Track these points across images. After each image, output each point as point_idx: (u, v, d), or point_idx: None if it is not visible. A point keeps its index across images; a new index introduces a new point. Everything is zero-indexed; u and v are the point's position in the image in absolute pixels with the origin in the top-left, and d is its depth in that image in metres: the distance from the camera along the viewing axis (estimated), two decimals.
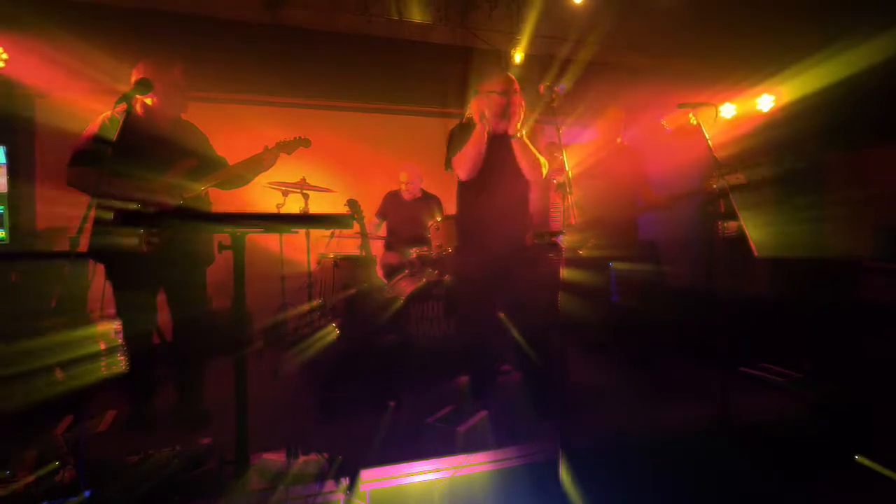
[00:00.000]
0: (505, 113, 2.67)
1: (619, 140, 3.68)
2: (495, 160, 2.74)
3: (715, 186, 2.83)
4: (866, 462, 2.35)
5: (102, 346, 2.15)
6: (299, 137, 2.82)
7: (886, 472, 2.28)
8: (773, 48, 4.46)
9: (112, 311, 2.42)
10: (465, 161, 2.70)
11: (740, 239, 2.63)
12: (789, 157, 4.65)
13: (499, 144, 2.75)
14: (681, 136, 3.87)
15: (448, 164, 2.84)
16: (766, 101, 4.72)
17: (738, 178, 2.79)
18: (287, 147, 2.78)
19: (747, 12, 4.39)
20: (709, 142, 2.75)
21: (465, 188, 2.88)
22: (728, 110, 4.85)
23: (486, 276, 2.79)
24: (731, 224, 2.76)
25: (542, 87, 2.51)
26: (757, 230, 2.61)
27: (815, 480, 2.32)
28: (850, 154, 4.84)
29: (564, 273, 2.44)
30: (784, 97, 4.63)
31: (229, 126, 4.27)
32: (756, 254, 2.56)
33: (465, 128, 2.83)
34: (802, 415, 2.88)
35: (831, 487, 2.28)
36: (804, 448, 2.51)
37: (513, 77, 2.78)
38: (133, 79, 2.45)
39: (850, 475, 2.35)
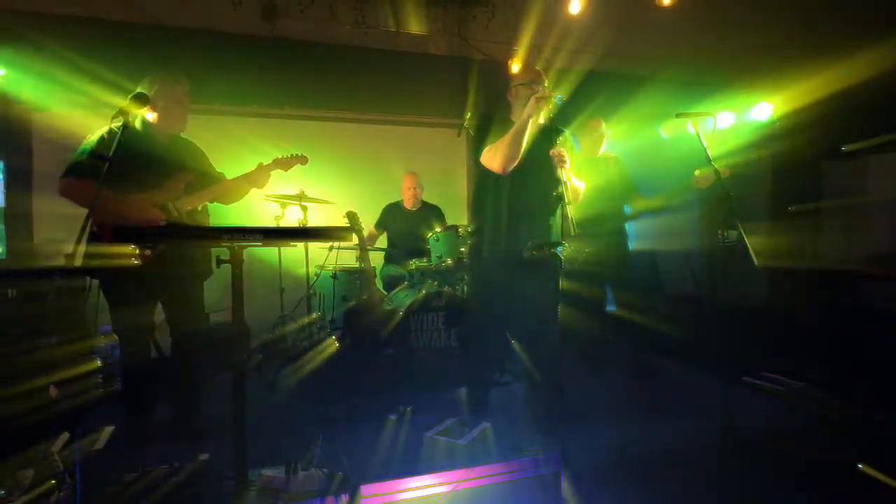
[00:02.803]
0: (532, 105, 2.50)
1: (601, 153, 3.69)
2: (528, 155, 2.60)
3: (701, 180, 2.84)
4: (869, 471, 2.33)
5: (99, 363, 2.13)
6: (296, 154, 2.80)
7: (890, 481, 2.26)
8: (771, 57, 4.49)
9: (108, 326, 2.40)
10: (499, 152, 2.55)
11: (740, 248, 2.62)
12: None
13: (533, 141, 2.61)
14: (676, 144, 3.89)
15: (478, 155, 2.70)
16: (763, 110, 4.74)
17: (724, 170, 2.79)
18: (283, 164, 2.76)
19: (746, 21, 4.42)
20: (707, 151, 2.75)
21: (491, 182, 2.73)
22: (726, 119, 4.86)
23: (505, 281, 2.73)
24: (731, 233, 2.75)
25: (533, 99, 2.49)
26: (756, 239, 2.60)
27: (818, 491, 2.30)
28: (847, 161, 4.86)
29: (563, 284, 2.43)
30: (782, 107, 4.65)
31: (228, 139, 4.27)
32: (756, 263, 2.55)
33: (500, 120, 2.73)
34: (805, 424, 2.86)
35: (835, 497, 2.26)
36: (807, 458, 2.49)
37: (539, 70, 2.74)
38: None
39: (853, 485, 2.33)
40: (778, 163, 5.15)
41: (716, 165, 2.66)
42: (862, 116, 4.34)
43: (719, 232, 2.83)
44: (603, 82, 4.82)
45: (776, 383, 3.36)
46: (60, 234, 3.46)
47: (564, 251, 2.34)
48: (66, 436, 2.19)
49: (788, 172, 5.03)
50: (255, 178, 2.66)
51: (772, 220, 4.64)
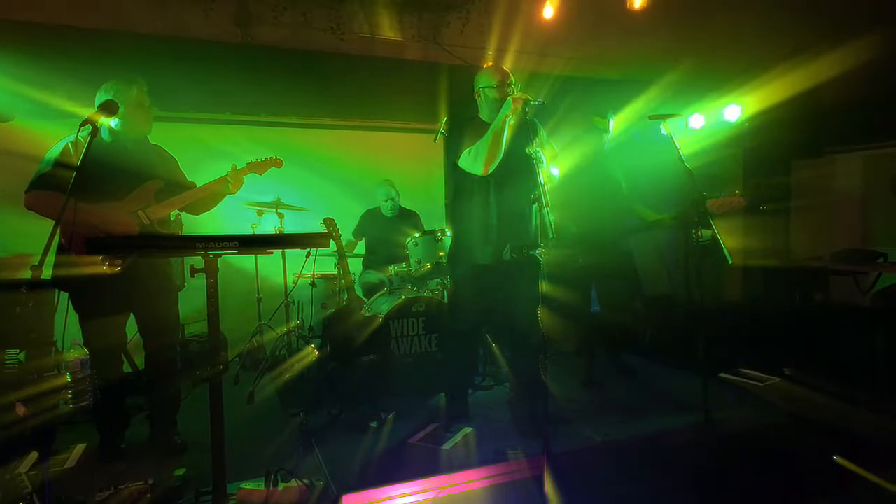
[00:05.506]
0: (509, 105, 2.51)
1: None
2: (507, 157, 2.61)
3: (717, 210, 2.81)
4: (844, 463, 2.39)
5: (68, 378, 2.07)
6: (271, 158, 2.78)
7: (863, 472, 2.31)
8: (742, 59, 4.60)
9: (79, 340, 2.33)
10: (480, 154, 2.56)
11: (714, 247, 2.67)
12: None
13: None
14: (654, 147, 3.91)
15: (455, 158, 2.70)
16: (733, 111, 4.83)
17: (739, 200, 2.83)
18: (258, 167, 2.73)
19: (716, 23, 4.53)
20: (680, 152, 2.80)
21: (470, 186, 2.74)
22: (697, 121, 4.95)
23: (485, 284, 2.75)
24: (705, 233, 2.80)
25: (511, 99, 2.50)
26: (729, 238, 2.65)
27: (795, 482, 2.35)
28: (814, 160, 5.01)
29: (544, 286, 2.43)
30: (751, 107, 4.76)
31: (201, 146, 4.20)
32: (730, 262, 2.60)
33: (473, 123, 2.73)
34: (780, 419, 2.92)
35: (811, 490, 2.31)
36: (784, 451, 2.54)
37: (506, 70, 2.74)
38: (97, 101, 2.40)
39: (829, 477, 2.38)
40: (749, 162, 5.28)
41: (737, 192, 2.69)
42: (830, 116, 4.48)
43: (694, 232, 2.88)
44: (575, 85, 4.87)
45: (752, 379, 3.42)
46: (28, 249, 3.35)
47: (546, 254, 2.34)
48: (34, 455, 2.12)
49: (760, 172, 5.15)
50: (228, 182, 2.62)
51: (744, 218, 4.73)
